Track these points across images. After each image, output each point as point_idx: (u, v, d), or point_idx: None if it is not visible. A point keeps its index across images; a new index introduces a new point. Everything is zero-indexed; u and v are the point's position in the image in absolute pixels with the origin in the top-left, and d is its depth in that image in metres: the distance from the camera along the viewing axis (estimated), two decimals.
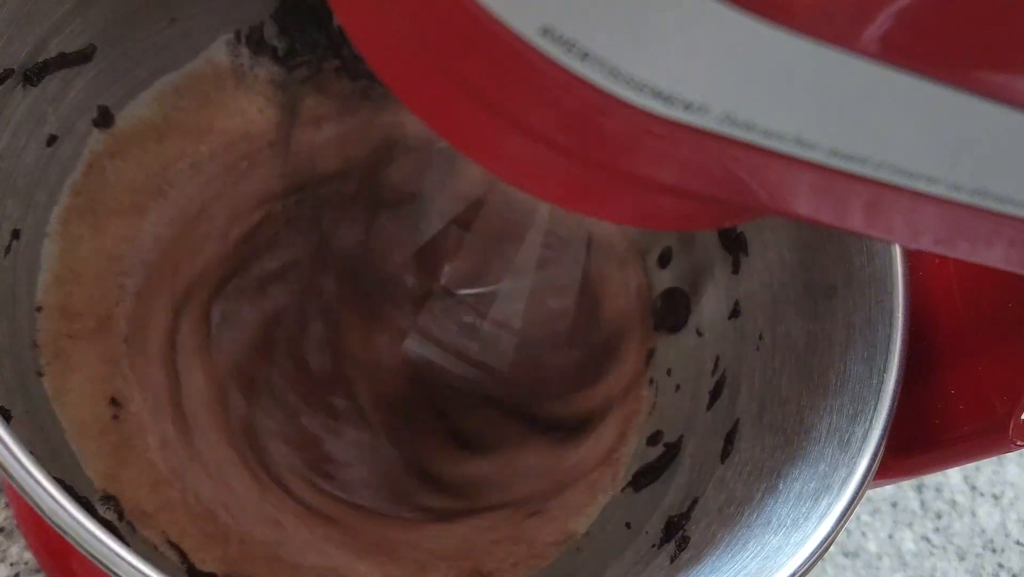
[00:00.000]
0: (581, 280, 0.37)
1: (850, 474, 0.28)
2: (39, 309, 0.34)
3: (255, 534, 0.35)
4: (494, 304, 0.36)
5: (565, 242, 0.36)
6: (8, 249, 0.33)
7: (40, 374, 0.34)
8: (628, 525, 0.35)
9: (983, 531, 0.48)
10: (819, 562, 0.27)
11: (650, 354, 0.39)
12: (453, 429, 0.38)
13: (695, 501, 0.33)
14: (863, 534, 0.47)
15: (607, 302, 0.39)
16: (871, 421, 0.28)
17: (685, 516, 0.33)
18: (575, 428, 0.38)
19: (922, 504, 0.48)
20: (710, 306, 0.38)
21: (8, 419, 0.28)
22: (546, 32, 0.13)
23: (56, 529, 0.23)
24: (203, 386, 0.36)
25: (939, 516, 0.48)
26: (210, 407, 0.36)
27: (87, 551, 0.23)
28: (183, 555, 0.34)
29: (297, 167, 0.39)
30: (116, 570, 0.23)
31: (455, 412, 0.38)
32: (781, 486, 0.29)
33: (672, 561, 0.31)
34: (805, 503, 0.28)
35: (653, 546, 0.33)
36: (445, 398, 0.38)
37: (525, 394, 0.38)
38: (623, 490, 0.37)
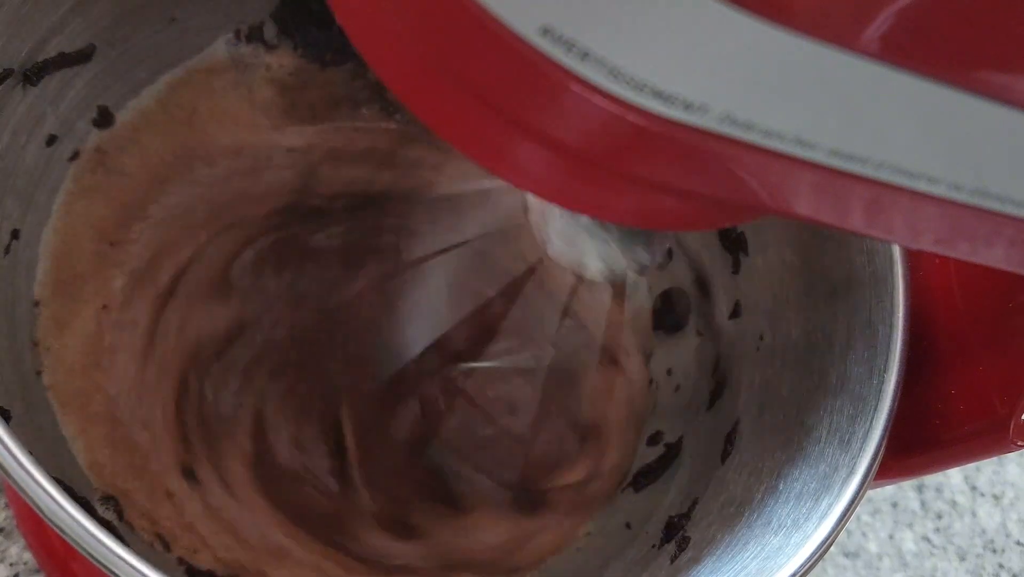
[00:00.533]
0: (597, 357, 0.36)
1: (850, 474, 0.28)
2: (38, 307, 0.34)
3: (256, 536, 0.35)
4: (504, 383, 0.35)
5: (580, 326, 0.35)
6: (8, 249, 0.33)
7: (40, 373, 0.34)
8: (628, 525, 0.35)
9: (983, 531, 0.48)
10: (820, 562, 0.27)
11: (649, 355, 0.39)
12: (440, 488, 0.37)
13: (695, 501, 0.33)
14: (863, 534, 0.47)
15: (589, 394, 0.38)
16: (871, 421, 0.28)
17: (685, 516, 0.33)
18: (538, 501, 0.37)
19: (922, 504, 0.48)
20: (710, 306, 0.38)
21: (8, 419, 0.28)
22: (546, 32, 0.13)
23: (55, 529, 0.23)
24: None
25: (939, 516, 0.48)
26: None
27: (86, 551, 0.23)
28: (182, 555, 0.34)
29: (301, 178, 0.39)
30: (115, 570, 0.23)
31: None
32: (781, 486, 0.29)
33: (672, 561, 0.31)
34: (805, 503, 0.28)
35: (653, 546, 0.33)
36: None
37: (516, 474, 0.37)
38: (623, 490, 0.37)
